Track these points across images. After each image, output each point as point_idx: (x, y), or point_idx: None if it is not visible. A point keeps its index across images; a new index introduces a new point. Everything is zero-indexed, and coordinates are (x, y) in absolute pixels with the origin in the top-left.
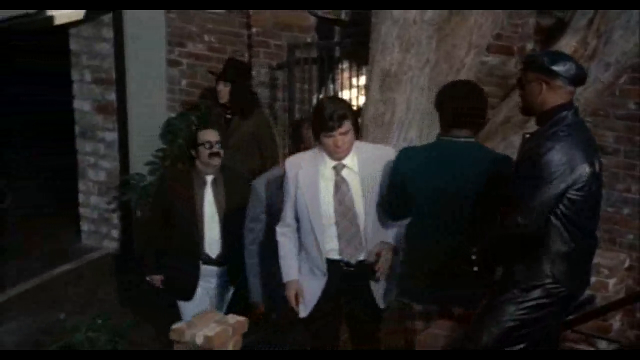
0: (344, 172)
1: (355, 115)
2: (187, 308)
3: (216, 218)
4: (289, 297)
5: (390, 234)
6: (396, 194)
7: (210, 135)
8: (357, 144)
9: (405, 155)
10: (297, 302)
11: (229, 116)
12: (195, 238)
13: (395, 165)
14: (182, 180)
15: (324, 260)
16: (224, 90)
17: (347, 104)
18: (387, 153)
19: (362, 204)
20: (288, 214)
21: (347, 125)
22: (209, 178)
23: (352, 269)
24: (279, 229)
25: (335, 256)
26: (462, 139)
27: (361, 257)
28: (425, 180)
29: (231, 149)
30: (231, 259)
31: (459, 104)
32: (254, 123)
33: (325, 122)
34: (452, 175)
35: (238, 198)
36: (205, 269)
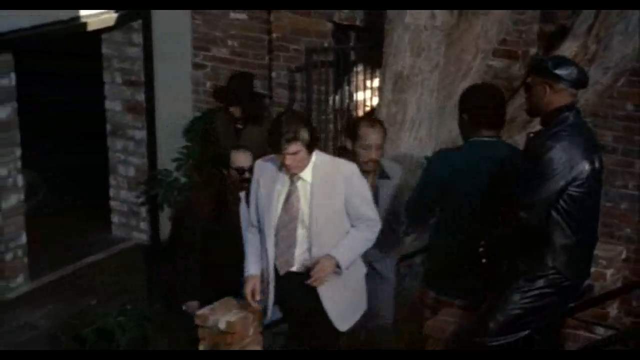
0: (299, 183)
1: (310, 132)
2: None
3: None
4: (245, 293)
5: (341, 250)
6: (431, 197)
7: (243, 161)
8: (318, 156)
9: (442, 159)
10: (253, 299)
11: (239, 126)
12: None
13: (433, 169)
14: (214, 198)
15: (271, 265)
16: (235, 110)
17: (300, 124)
18: (345, 168)
19: (308, 216)
20: (252, 214)
21: (295, 146)
22: (242, 194)
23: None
24: (248, 227)
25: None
26: (493, 139)
27: (293, 269)
28: (464, 181)
29: None
30: None
31: (487, 105)
32: (265, 130)
33: (275, 142)
34: (487, 175)
35: None
36: None
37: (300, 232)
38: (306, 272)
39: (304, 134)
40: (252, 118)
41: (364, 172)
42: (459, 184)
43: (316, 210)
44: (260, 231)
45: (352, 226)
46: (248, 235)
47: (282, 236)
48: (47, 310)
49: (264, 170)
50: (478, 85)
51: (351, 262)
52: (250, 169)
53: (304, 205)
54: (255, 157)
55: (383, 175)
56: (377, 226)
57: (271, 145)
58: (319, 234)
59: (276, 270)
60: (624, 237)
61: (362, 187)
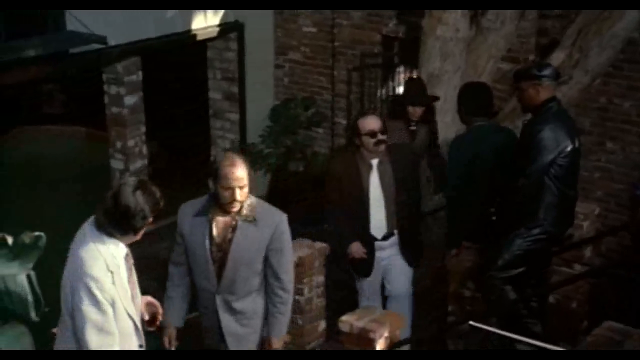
0: None
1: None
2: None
3: (382, 200)
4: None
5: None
6: (458, 168)
7: (373, 124)
8: None
9: (459, 142)
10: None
11: (413, 127)
12: (364, 219)
13: (454, 151)
14: (348, 165)
15: None
16: (417, 111)
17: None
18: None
19: None
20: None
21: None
22: (375, 162)
23: None
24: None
25: None
26: (486, 124)
27: None
28: (474, 157)
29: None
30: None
31: (481, 98)
32: (431, 129)
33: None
34: (490, 150)
35: (405, 175)
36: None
37: None
38: None
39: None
40: (424, 119)
41: (228, 213)
42: (471, 160)
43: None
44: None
45: None
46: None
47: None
48: (165, 244)
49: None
50: (472, 83)
51: None
52: (382, 131)
53: None
54: (421, 154)
55: (248, 218)
56: None
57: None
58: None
59: None
60: (597, 198)
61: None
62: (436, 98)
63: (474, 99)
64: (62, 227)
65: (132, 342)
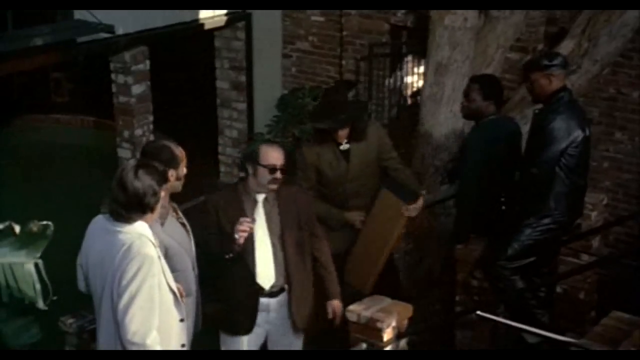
0: None
1: None
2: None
3: (269, 244)
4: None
5: None
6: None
7: (276, 158)
8: None
9: (475, 133)
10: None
11: (345, 147)
12: (250, 266)
13: (470, 142)
14: (230, 202)
15: None
16: (343, 133)
17: None
18: None
19: None
20: None
21: None
22: (260, 197)
23: None
24: None
25: None
26: (496, 116)
27: None
28: (486, 149)
29: (355, 177)
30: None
31: (498, 92)
32: (370, 141)
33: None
34: (505, 143)
35: (295, 219)
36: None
37: None
38: None
39: None
40: (357, 133)
41: None
42: (486, 154)
43: None
44: None
45: None
46: None
47: None
48: None
49: None
50: (487, 76)
51: None
52: (282, 169)
53: None
54: (371, 171)
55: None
56: None
57: None
58: None
59: None
60: (605, 188)
61: None
62: (361, 113)
63: (495, 90)
64: (69, 216)
65: (172, 315)
